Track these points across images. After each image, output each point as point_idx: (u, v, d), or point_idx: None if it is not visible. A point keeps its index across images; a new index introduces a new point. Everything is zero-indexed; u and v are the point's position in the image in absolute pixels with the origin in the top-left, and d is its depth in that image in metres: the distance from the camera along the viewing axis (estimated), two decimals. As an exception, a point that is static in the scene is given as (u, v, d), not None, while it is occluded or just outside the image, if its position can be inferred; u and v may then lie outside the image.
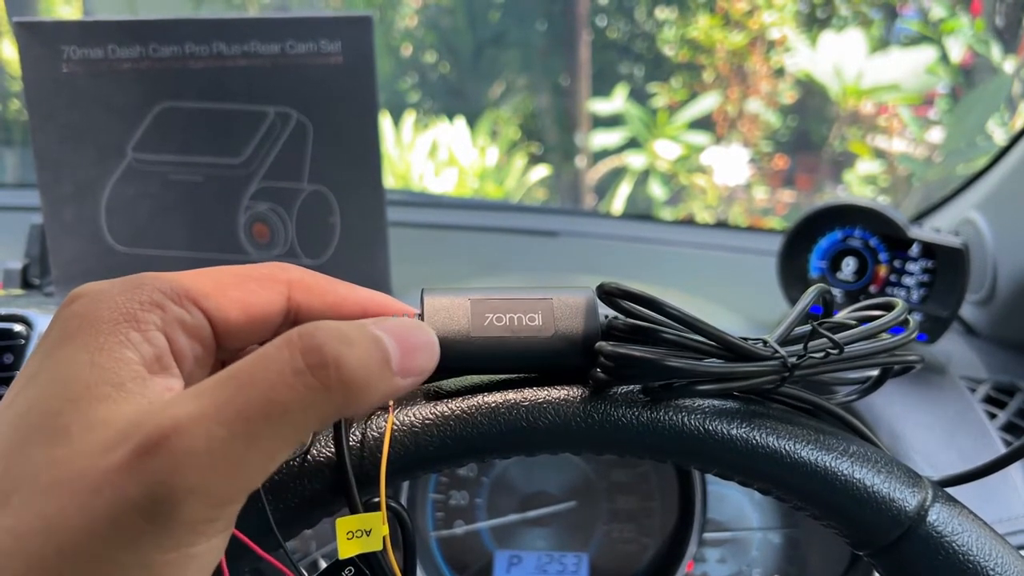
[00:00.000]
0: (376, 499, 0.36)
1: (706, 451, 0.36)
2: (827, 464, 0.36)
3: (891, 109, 3.08)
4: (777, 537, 0.67)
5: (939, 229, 0.74)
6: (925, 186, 2.91)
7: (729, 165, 2.97)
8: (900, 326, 0.38)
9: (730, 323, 0.69)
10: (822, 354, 0.35)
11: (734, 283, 0.95)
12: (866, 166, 3.12)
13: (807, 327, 0.38)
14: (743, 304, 0.82)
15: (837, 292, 0.76)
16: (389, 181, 2.98)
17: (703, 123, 3.00)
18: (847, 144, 3.14)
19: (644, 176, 2.95)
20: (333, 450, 0.35)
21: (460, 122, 3.06)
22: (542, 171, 3.16)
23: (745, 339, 0.36)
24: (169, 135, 0.66)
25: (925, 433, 0.65)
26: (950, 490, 0.38)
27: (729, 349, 0.34)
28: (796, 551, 0.68)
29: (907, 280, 0.74)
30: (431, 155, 3.01)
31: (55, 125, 0.64)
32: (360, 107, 0.68)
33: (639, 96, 3.12)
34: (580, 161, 3.27)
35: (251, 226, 0.68)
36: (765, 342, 0.36)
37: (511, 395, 0.36)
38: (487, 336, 0.36)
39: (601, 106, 3.06)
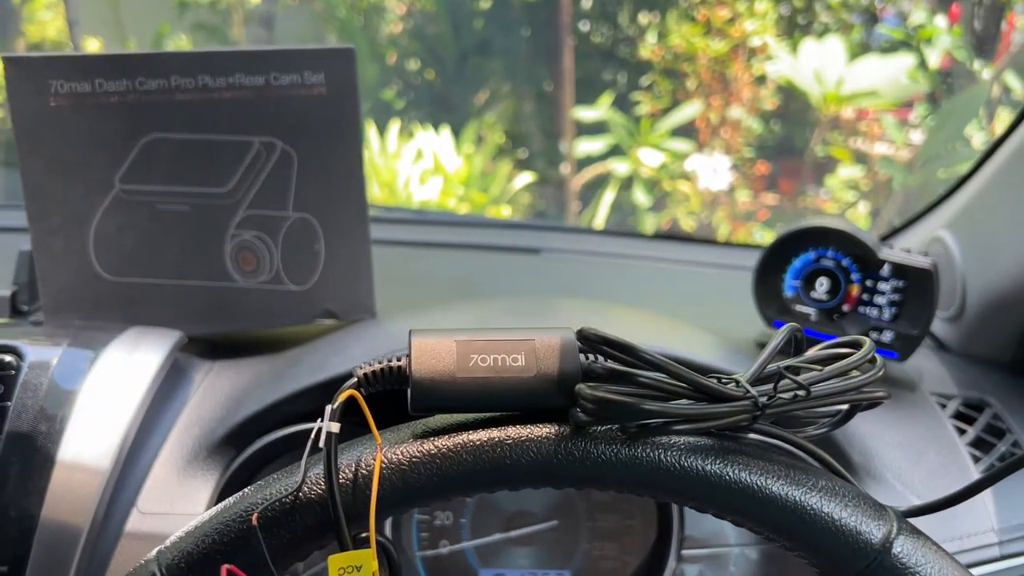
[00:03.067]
0: (365, 534, 0.37)
1: (682, 487, 0.38)
2: (796, 498, 0.37)
3: (872, 114, 3.11)
4: (754, 553, 0.69)
5: (909, 249, 0.76)
6: (905, 191, 2.95)
7: (712, 172, 3.00)
8: (867, 365, 0.40)
9: (710, 344, 0.71)
10: (790, 395, 0.37)
11: (716, 299, 0.97)
12: (847, 171, 3.15)
13: (781, 363, 0.40)
14: (724, 321, 0.84)
15: (811, 311, 0.78)
16: (374, 191, 2.99)
17: (686, 130, 3.02)
18: (829, 149, 3.17)
19: (628, 183, 2.97)
20: (324, 488, 0.37)
21: (445, 130, 3.07)
22: (527, 178, 3.18)
23: (719, 378, 0.38)
24: (156, 166, 0.67)
25: (896, 452, 0.67)
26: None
27: (702, 391, 0.36)
28: (773, 566, 0.69)
29: (879, 299, 0.76)
30: (416, 163, 3.02)
31: (43, 158, 0.65)
32: (343, 136, 0.69)
33: (623, 104, 3.14)
34: (565, 168, 3.29)
35: (237, 254, 0.70)
36: (737, 382, 0.37)
37: (495, 433, 0.38)
38: (472, 376, 0.38)
39: (585, 113, 3.08)
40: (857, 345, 0.41)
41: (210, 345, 0.72)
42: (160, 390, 0.64)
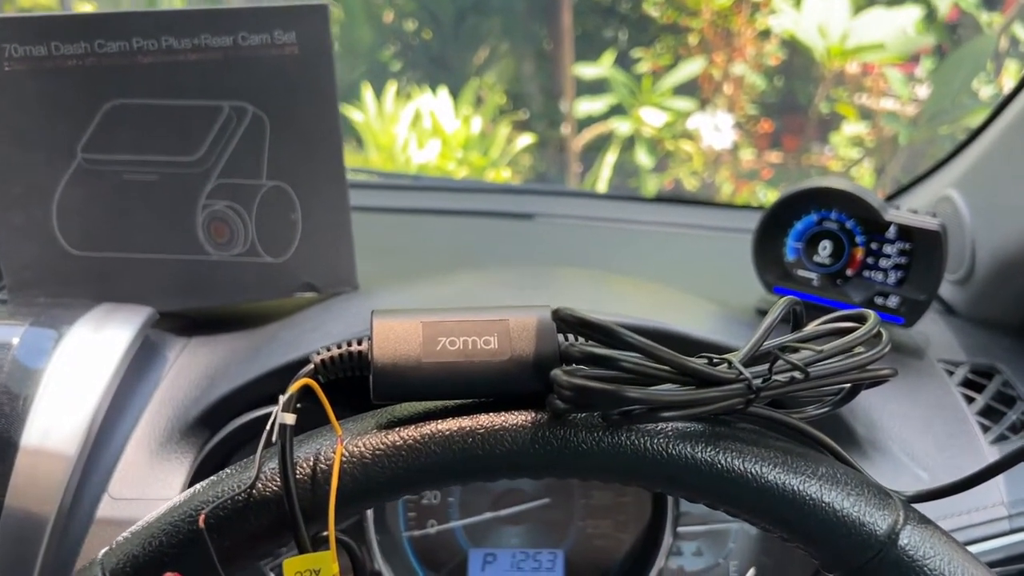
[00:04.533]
0: (325, 533, 0.34)
1: (670, 476, 0.35)
2: (795, 487, 0.34)
3: (877, 69, 3.05)
4: (753, 529, 0.67)
5: (916, 210, 0.73)
6: (911, 147, 2.89)
7: (714, 130, 2.95)
8: (872, 340, 0.37)
9: (707, 315, 0.68)
10: (787, 377, 0.34)
11: (716, 264, 0.94)
12: (852, 127, 3.09)
13: (778, 340, 0.37)
14: (725, 287, 0.81)
15: (814, 275, 0.75)
16: (371, 155, 2.95)
17: (688, 88, 2.96)
18: (833, 105, 3.11)
19: (630, 143, 2.92)
20: (279, 484, 0.34)
21: (443, 92, 3.01)
22: (527, 139, 3.13)
23: (710, 358, 0.35)
24: (120, 134, 0.64)
25: (902, 422, 0.64)
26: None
27: (690, 375, 0.33)
28: (774, 541, 0.67)
29: (884, 263, 0.73)
30: (414, 126, 2.97)
31: (0, 127, 0.62)
32: (318, 98, 0.66)
33: (624, 61, 3.07)
34: (565, 129, 3.23)
35: (209, 225, 0.66)
36: (729, 363, 0.34)
37: (465, 422, 0.35)
38: (440, 361, 0.34)
39: (586, 71, 3.02)
40: (861, 319, 0.38)
41: (186, 321, 0.69)
42: (130, 369, 0.61)
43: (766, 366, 0.34)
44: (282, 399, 0.33)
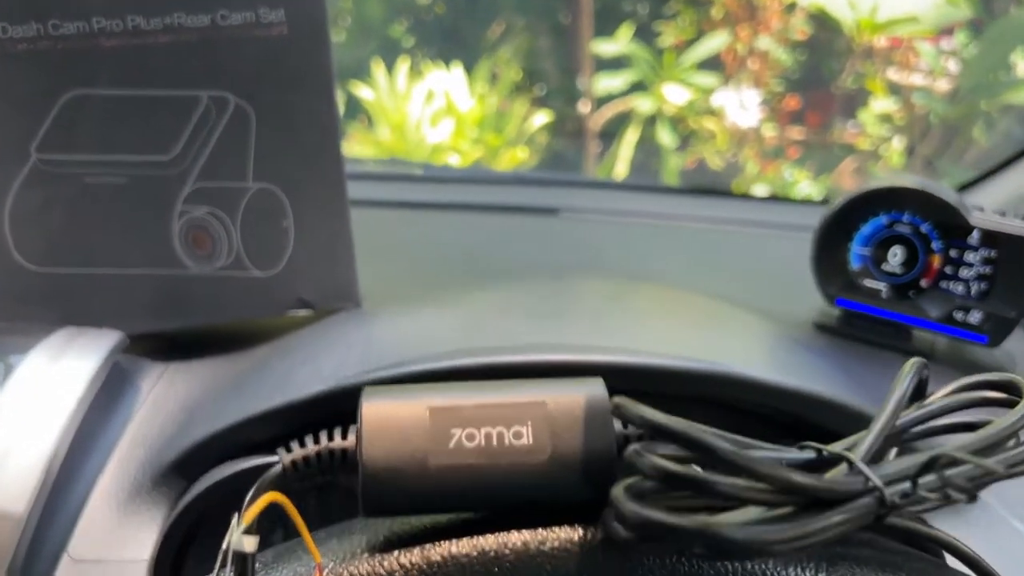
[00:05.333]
0: None
1: None
2: None
3: (907, 43, 2.93)
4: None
5: (1004, 212, 0.63)
6: (944, 124, 2.78)
7: (739, 108, 2.84)
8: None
9: (768, 338, 0.58)
10: (939, 495, 0.24)
11: (759, 264, 0.84)
12: (881, 104, 2.98)
13: (903, 419, 0.27)
14: (770, 293, 0.71)
15: (882, 286, 0.65)
16: (383, 134, 2.86)
17: (711, 63, 2.85)
18: (860, 81, 3.00)
19: (651, 121, 2.81)
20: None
21: (457, 68, 2.92)
22: (543, 118, 3.03)
23: (819, 452, 0.25)
24: (81, 130, 0.55)
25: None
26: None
27: (801, 494, 0.23)
28: None
29: (964, 272, 0.63)
30: (427, 104, 2.88)
31: (-61, 123, 0.53)
32: (311, 86, 0.56)
33: (644, 36, 2.96)
34: (583, 106, 3.13)
35: (188, 235, 0.57)
36: (850, 463, 0.25)
37: (490, 542, 0.26)
38: (454, 464, 0.25)
39: (605, 47, 2.91)
40: (1011, 388, 0.29)
41: (163, 342, 0.61)
42: (95, 404, 0.53)
43: (903, 467, 0.25)
44: (236, 518, 0.24)
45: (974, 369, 0.62)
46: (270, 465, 0.49)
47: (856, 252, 0.66)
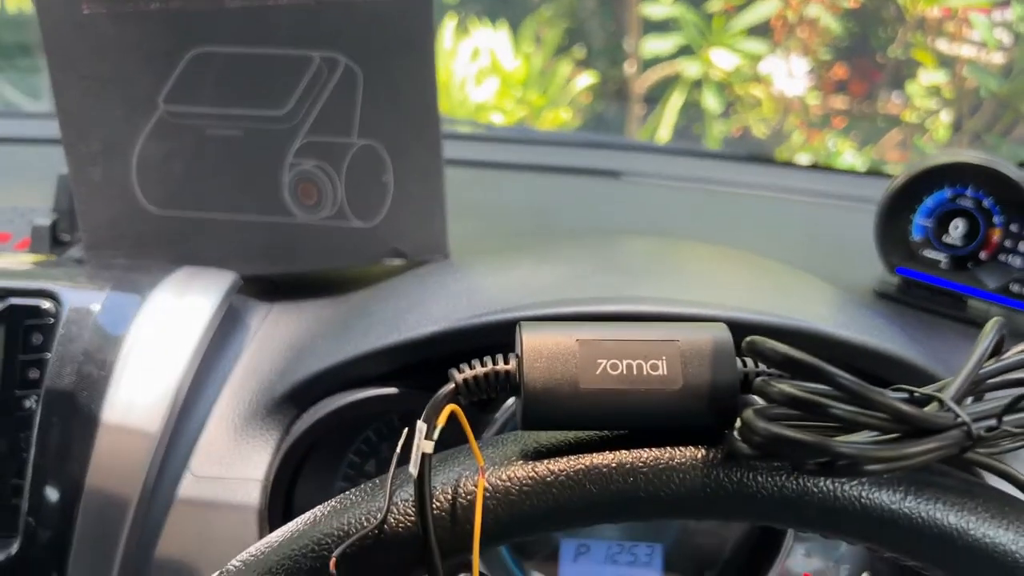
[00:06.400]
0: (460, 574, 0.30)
1: (862, 528, 0.30)
2: (1007, 547, 0.29)
3: (961, 13, 2.88)
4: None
5: (1066, 187, 0.66)
6: (994, 100, 2.74)
7: (787, 76, 2.82)
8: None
9: (838, 302, 0.62)
10: (1021, 429, 0.28)
11: (813, 233, 0.87)
12: (930, 76, 2.94)
13: (986, 368, 0.31)
14: (828, 261, 0.75)
15: (942, 257, 0.68)
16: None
17: (760, 29, 2.83)
18: (909, 51, 2.95)
19: (696, 86, 2.81)
20: (414, 519, 0.30)
21: (503, 27, 2.92)
22: (587, 79, 3.03)
23: (911, 393, 0.29)
24: (204, 85, 0.59)
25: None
26: None
27: (905, 422, 0.27)
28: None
29: (1023, 246, 0.66)
30: (472, 62, 2.89)
31: (78, 76, 0.57)
32: (415, 52, 0.60)
33: (694, -1, 2.94)
34: (629, 68, 3.12)
35: (297, 185, 0.62)
36: (941, 402, 0.29)
37: (626, 457, 0.30)
38: (601, 388, 0.30)
39: (653, 9, 2.89)
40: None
41: (266, 284, 0.65)
42: (214, 338, 0.58)
43: (988, 407, 0.29)
44: (422, 426, 0.29)
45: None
46: (384, 396, 0.54)
47: (919, 223, 0.69)
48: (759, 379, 0.28)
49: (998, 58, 2.85)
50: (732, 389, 0.29)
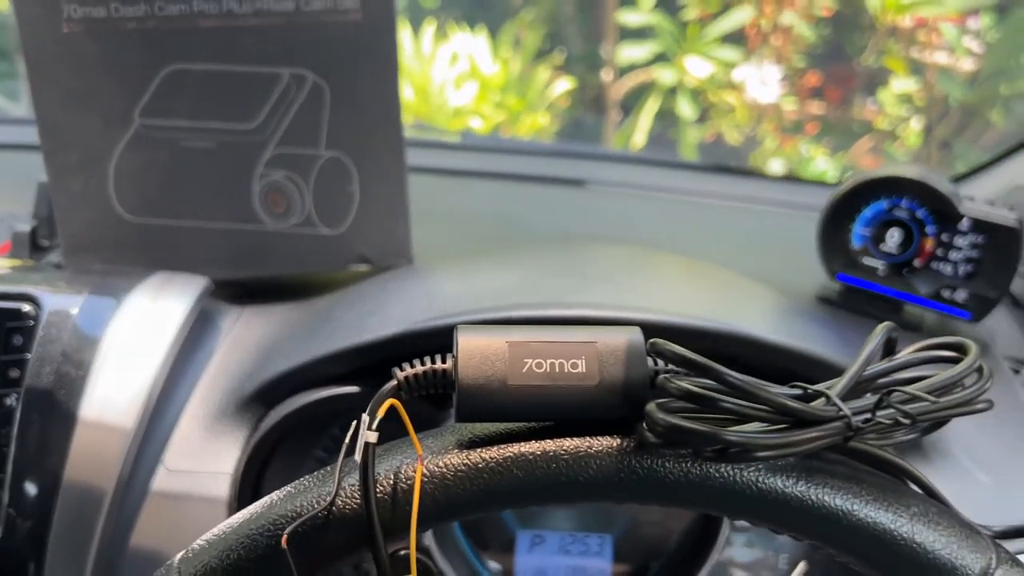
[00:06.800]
0: (403, 551, 0.34)
1: (759, 509, 0.34)
2: (886, 526, 0.33)
3: (931, 22, 2.94)
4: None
5: (993, 202, 0.70)
6: (963, 107, 2.80)
7: (760, 83, 2.87)
8: (974, 375, 0.35)
9: (773, 306, 0.66)
10: (891, 419, 0.32)
11: (770, 241, 0.91)
12: (901, 84, 3.00)
13: (872, 368, 0.35)
14: (780, 266, 0.78)
15: (880, 264, 0.73)
16: (407, 94, 2.90)
17: (734, 37, 2.88)
18: (883, 60, 3.01)
19: (672, 93, 2.85)
20: (359, 502, 0.33)
21: (482, 32, 2.95)
22: (565, 84, 3.07)
23: (804, 389, 0.33)
24: (178, 99, 0.62)
25: (965, 422, 0.62)
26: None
27: (789, 415, 0.31)
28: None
29: (954, 255, 0.70)
30: (451, 67, 2.91)
31: (58, 89, 0.61)
32: (379, 67, 0.64)
33: (669, 6, 2.99)
34: (606, 75, 3.16)
35: (266, 195, 0.65)
36: (827, 398, 0.33)
37: (549, 446, 0.34)
38: (527, 384, 0.33)
39: (630, 17, 2.94)
40: (961, 349, 0.36)
41: (238, 289, 0.69)
42: (187, 340, 0.61)
43: (867, 402, 0.33)
44: (366, 418, 0.32)
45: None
46: (346, 394, 0.58)
47: (858, 232, 0.73)
48: (661, 376, 0.32)
49: (968, 65, 2.91)
50: (643, 385, 0.33)
